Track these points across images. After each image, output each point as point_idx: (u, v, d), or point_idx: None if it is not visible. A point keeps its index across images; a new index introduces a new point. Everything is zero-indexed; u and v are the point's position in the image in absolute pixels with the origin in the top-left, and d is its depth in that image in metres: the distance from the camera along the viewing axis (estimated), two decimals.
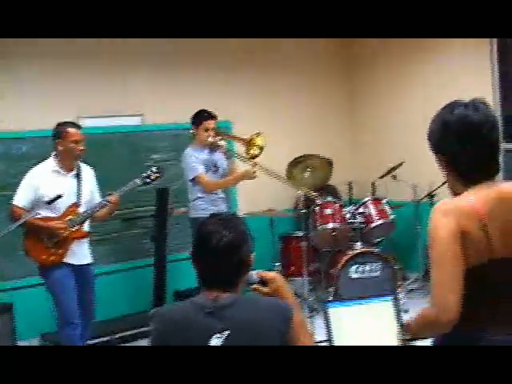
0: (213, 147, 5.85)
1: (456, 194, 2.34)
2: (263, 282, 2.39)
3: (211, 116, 5.84)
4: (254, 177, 5.70)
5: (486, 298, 2.24)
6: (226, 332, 2.14)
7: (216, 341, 2.13)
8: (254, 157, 5.76)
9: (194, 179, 5.80)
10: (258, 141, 5.79)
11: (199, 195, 5.82)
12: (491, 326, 2.23)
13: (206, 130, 5.79)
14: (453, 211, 2.21)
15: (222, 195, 6.00)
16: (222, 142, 5.85)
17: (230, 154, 5.94)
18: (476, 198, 2.23)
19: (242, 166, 5.97)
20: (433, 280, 2.21)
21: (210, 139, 5.78)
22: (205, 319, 2.17)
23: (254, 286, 2.39)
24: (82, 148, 4.88)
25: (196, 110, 5.91)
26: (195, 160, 5.76)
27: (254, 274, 2.40)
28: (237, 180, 5.93)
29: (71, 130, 4.82)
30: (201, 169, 5.77)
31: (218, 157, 5.93)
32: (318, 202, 6.44)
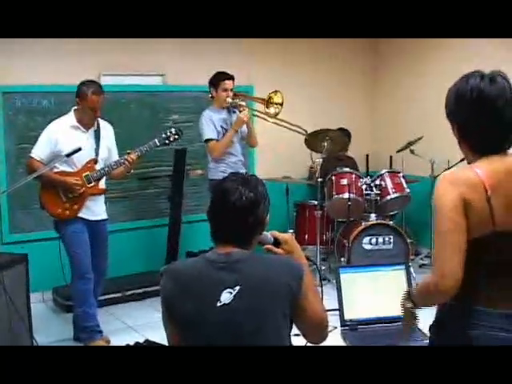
0: (233, 107, 5.82)
1: (468, 162, 2.32)
2: (277, 242, 2.41)
3: (229, 76, 5.77)
4: (246, 119, 5.68)
5: (485, 270, 2.23)
6: (238, 287, 2.15)
7: (227, 295, 2.14)
8: (275, 115, 5.74)
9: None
10: (276, 98, 5.76)
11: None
12: (487, 300, 2.22)
13: (225, 90, 5.74)
14: (458, 181, 2.19)
15: (242, 158, 5.96)
16: (243, 102, 5.81)
17: (251, 112, 5.86)
18: (483, 169, 2.20)
19: (263, 125, 5.95)
20: (435, 248, 2.22)
21: (229, 99, 5.75)
22: (216, 273, 2.17)
23: (268, 246, 2.40)
24: (98, 115, 4.86)
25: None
26: (210, 123, 5.70)
27: (268, 235, 2.41)
28: (235, 129, 5.75)
29: (92, 95, 4.73)
30: (213, 134, 5.72)
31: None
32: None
